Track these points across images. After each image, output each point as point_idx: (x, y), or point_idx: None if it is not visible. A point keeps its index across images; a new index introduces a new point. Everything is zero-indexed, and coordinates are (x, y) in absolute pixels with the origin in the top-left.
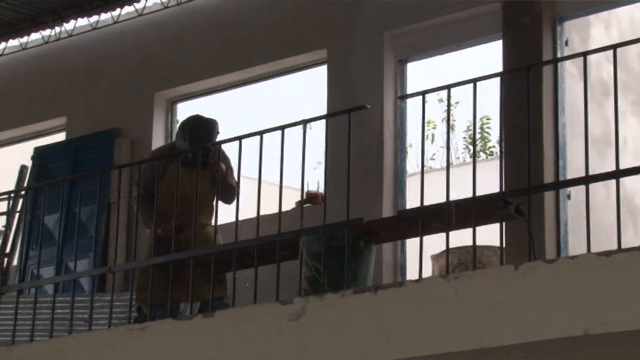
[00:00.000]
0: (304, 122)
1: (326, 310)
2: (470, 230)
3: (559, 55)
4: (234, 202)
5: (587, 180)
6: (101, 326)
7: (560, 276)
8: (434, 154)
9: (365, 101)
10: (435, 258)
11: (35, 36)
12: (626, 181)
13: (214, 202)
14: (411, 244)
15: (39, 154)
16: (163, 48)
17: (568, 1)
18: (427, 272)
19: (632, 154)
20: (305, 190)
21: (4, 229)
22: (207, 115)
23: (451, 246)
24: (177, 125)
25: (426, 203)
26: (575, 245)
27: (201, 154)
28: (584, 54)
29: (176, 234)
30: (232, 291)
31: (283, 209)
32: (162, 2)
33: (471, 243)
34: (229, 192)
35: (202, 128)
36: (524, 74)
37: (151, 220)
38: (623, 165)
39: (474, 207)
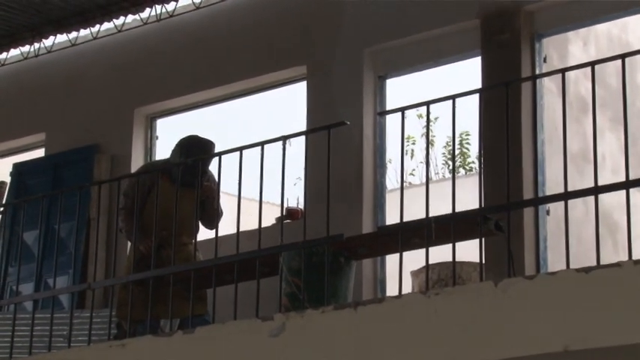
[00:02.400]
0: (284, 138)
1: (306, 327)
2: (450, 246)
3: (537, 71)
4: (215, 226)
5: (566, 196)
6: (81, 343)
7: (539, 292)
8: (413, 170)
9: (344, 117)
10: (414, 274)
11: (14, 52)
12: (605, 197)
13: (198, 223)
14: (391, 259)
15: (18, 170)
16: (142, 64)
17: (547, 18)
18: (407, 288)
19: (610, 170)
20: (285, 206)
21: None
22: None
23: (431, 262)
24: (175, 143)
25: (405, 219)
26: (555, 261)
27: (196, 175)
28: (563, 70)
29: (157, 251)
30: (212, 307)
31: (263, 225)
32: (141, 18)
33: (450, 259)
34: (215, 217)
35: (200, 149)
36: (502, 91)
37: (133, 235)
38: (602, 181)
39: (454, 223)
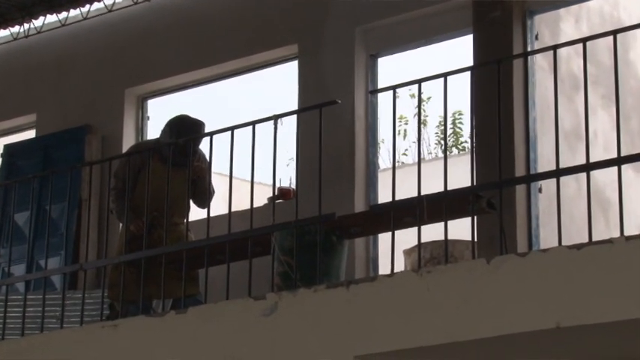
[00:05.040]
0: (275, 117)
1: (299, 306)
2: (442, 224)
3: (529, 49)
4: (208, 205)
5: (558, 173)
6: (73, 324)
7: (531, 269)
8: (406, 150)
9: (336, 96)
10: (407, 252)
11: (4, 33)
12: (597, 174)
13: (189, 203)
14: (383, 238)
15: (9, 151)
16: (133, 44)
17: None
18: (399, 267)
19: (602, 147)
20: (277, 185)
21: None
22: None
23: (423, 240)
24: (165, 123)
25: (398, 198)
26: (547, 238)
27: (187, 155)
28: (554, 47)
29: (148, 232)
30: (204, 287)
31: (255, 205)
32: None
33: (442, 237)
34: (207, 196)
35: (189, 129)
36: (494, 68)
37: (124, 215)
38: (594, 158)
39: (446, 201)
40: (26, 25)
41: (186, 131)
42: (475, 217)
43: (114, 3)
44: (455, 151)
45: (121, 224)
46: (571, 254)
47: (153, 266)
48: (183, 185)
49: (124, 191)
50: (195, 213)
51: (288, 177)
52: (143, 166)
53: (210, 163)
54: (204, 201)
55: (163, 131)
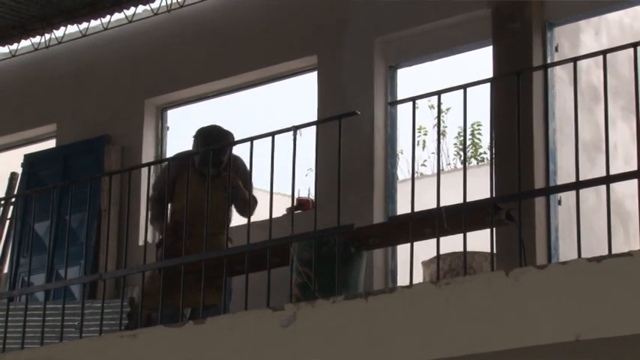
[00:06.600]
0: (294, 128)
1: (317, 316)
2: (461, 236)
3: (549, 60)
4: (251, 214)
5: (578, 185)
6: (92, 333)
7: (551, 281)
8: (425, 161)
9: (355, 107)
10: (425, 264)
11: (25, 43)
12: (617, 187)
13: (226, 214)
14: (402, 249)
15: (29, 161)
16: (153, 55)
17: (558, 7)
18: (418, 278)
19: (622, 159)
20: (295, 196)
21: None
22: (204, 122)
23: (442, 252)
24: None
25: (417, 209)
26: (566, 251)
27: (213, 164)
28: (574, 59)
29: (180, 241)
30: (223, 298)
31: (274, 216)
32: (152, 9)
33: (461, 249)
34: (244, 204)
35: (214, 140)
36: (514, 80)
37: (158, 224)
38: (614, 170)
39: (465, 213)
40: (47, 36)
41: (211, 142)
42: (494, 229)
43: (134, 14)
44: (474, 162)
45: (158, 235)
46: (590, 267)
47: (184, 275)
48: (216, 195)
49: (156, 200)
50: None
51: (306, 187)
52: (178, 177)
53: (250, 172)
54: (243, 209)
55: (193, 141)
